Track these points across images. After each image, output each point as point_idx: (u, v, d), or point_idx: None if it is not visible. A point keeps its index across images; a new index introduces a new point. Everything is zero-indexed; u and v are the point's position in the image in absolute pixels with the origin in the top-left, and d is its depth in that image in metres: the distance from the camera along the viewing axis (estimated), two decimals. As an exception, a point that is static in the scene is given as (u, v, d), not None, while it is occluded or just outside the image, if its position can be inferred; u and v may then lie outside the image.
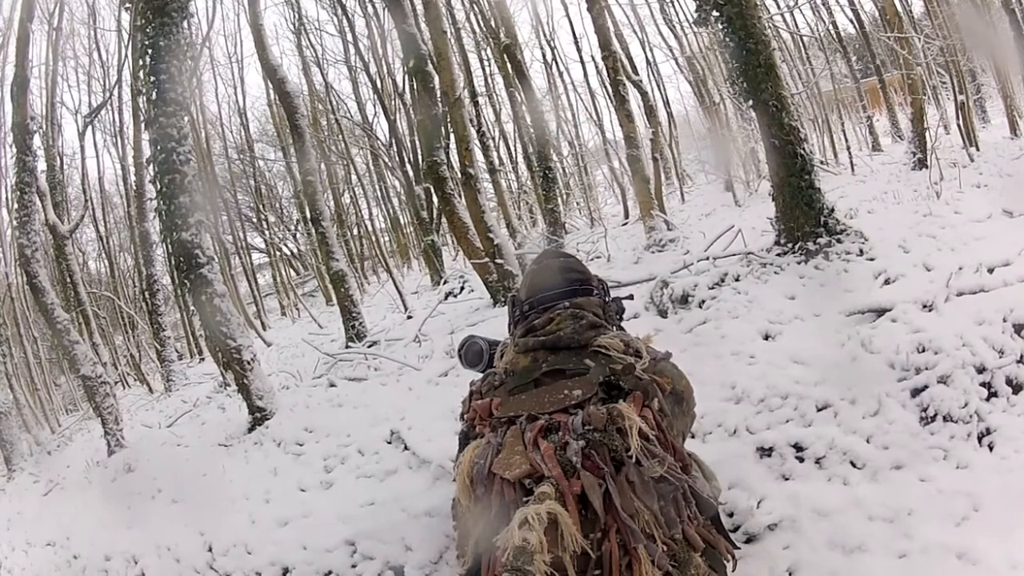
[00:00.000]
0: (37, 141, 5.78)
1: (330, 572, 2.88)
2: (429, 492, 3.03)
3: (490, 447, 1.73)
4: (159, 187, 4.14)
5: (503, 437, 1.74)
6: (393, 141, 14.86)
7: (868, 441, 2.71)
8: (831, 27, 11.73)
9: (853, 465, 2.64)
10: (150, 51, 3.99)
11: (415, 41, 6.21)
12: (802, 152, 4.32)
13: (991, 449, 2.67)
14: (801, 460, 2.70)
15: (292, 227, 19.88)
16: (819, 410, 2.87)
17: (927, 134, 7.38)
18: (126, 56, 9.78)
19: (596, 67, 14.95)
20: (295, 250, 20.22)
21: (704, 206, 10.91)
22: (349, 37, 14.88)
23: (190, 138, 4.20)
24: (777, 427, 2.83)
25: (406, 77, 13.49)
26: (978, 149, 7.75)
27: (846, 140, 10.00)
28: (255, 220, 19.10)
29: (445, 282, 9.17)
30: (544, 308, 2.02)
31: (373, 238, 18.17)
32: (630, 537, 1.55)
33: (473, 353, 2.15)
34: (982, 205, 4.71)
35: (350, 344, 6.75)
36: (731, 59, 4.45)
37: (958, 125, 7.94)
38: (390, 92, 14.85)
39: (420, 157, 12.41)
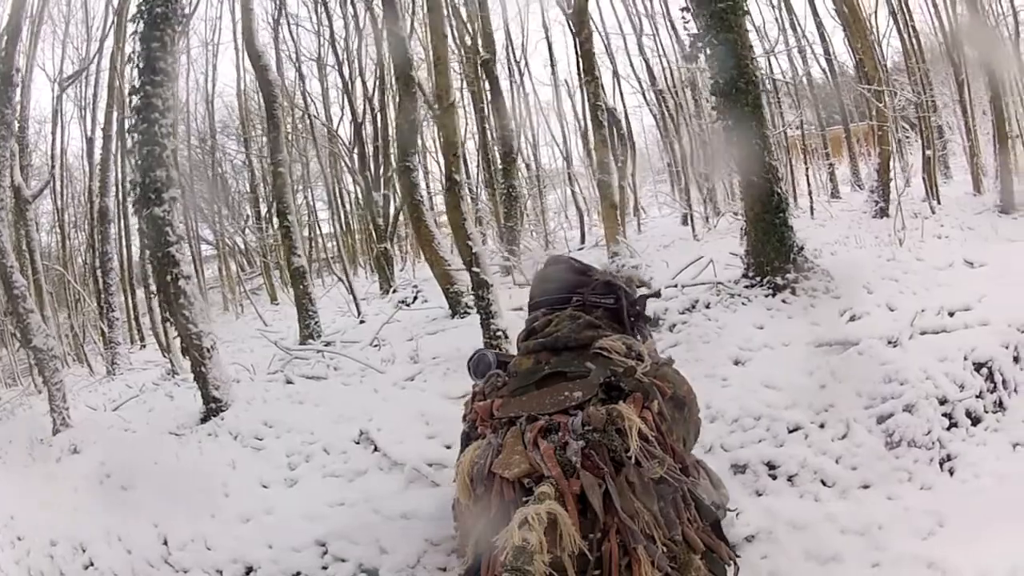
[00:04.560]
0: (17, 96, 5.50)
1: (299, 573, 2.78)
2: (404, 495, 2.97)
3: (490, 447, 1.74)
4: (136, 159, 3.97)
5: (503, 437, 1.75)
6: (357, 144, 14.65)
7: (837, 462, 2.86)
8: (805, 77, 12.15)
9: (824, 483, 2.78)
10: (144, 16, 3.86)
11: (403, 45, 6.20)
12: (778, 191, 4.45)
13: (952, 474, 2.87)
14: (774, 477, 2.82)
15: (243, 221, 19.30)
16: (790, 432, 3.00)
17: (892, 184, 7.66)
18: (112, 23, 9.34)
19: (569, 91, 15.12)
20: (243, 245, 19.60)
21: (662, 237, 11.03)
22: (326, 35, 14.68)
23: (173, 112, 4.06)
24: (751, 446, 2.95)
25: (377, 81, 13.43)
26: (939, 202, 8.00)
27: (808, 185, 10.32)
28: (207, 211, 18.47)
29: (395, 291, 9.05)
30: (547, 311, 2.07)
31: (331, 241, 17.76)
32: (630, 538, 1.56)
33: (484, 365, 2.17)
34: (944, 254, 4.91)
35: (308, 342, 6.58)
36: (719, 96, 4.53)
37: (922, 178, 8.23)
38: (359, 95, 14.66)
39: (387, 162, 12.36)
